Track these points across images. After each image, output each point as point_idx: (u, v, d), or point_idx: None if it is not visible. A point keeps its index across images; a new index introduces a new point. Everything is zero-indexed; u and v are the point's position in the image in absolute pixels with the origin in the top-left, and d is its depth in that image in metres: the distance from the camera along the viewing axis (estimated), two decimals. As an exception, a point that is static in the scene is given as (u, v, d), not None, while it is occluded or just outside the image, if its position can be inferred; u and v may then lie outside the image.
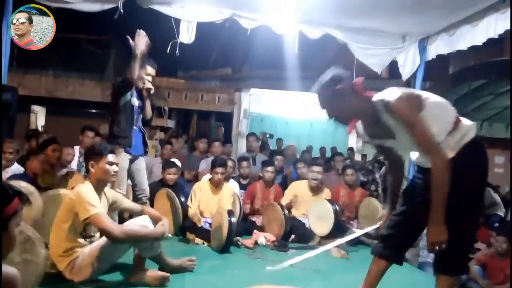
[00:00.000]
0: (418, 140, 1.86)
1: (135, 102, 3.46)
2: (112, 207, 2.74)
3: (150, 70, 3.47)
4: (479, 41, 3.94)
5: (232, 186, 4.71)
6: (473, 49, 4.26)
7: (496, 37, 3.75)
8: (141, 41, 3.19)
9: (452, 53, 4.56)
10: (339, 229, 4.30)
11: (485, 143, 2.10)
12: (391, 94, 1.88)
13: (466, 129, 1.94)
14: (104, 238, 2.50)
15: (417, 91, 2.12)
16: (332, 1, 3.94)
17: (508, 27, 3.55)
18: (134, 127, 3.43)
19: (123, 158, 3.29)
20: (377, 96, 1.94)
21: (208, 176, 4.57)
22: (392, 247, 2.20)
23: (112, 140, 3.32)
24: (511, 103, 7.98)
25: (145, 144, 3.60)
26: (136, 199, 3.52)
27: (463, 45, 4.20)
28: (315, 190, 4.80)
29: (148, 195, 3.62)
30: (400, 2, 3.82)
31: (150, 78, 3.47)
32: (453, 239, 1.88)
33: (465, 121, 1.98)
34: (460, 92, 9.35)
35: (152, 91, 3.50)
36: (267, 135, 9.74)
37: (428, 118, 1.86)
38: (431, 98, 1.95)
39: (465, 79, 8.36)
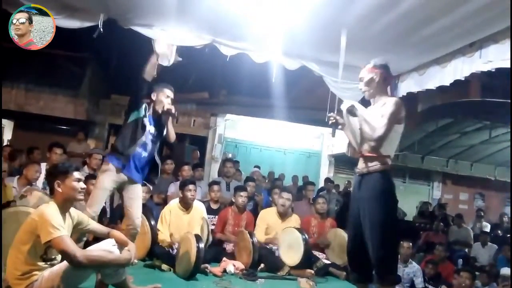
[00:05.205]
0: (385, 126, 2.48)
1: (148, 125, 3.21)
2: (77, 229, 2.64)
3: (169, 92, 3.30)
4: (447, 81, 4.14)
5: (200, 208, 4.64)
6: (441, 89, 4.46)
7: (463, 79, 3.95)
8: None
9: (421, 92, 4.75)
10: (308, 259, 4.29)
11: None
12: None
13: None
14: (65, 262, 2.38)
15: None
16: (311, 36, 4.07)
17: (474, 70, 3.76)
18: (139, 149, 3.14)
19: (106, 177, 3.05)
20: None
21: (177, 199, 4.49)
22: (357, 269, 2.56)
23: (111, 152, 3.16)
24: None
25: (155, 173, 3.33)
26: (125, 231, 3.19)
27: (432, 85, 4.40)
28: (283, 216, 4.81)
29: (138, 229, 3.24)
30: (376, 41, 3.99)
31: (169, 101, 3.28)
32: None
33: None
34: (428, 129, 9.72)
35: (173, 111, 3.23)
36: (229, 155, 9.65)
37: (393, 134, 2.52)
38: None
39: (433, 117, 8.66)
